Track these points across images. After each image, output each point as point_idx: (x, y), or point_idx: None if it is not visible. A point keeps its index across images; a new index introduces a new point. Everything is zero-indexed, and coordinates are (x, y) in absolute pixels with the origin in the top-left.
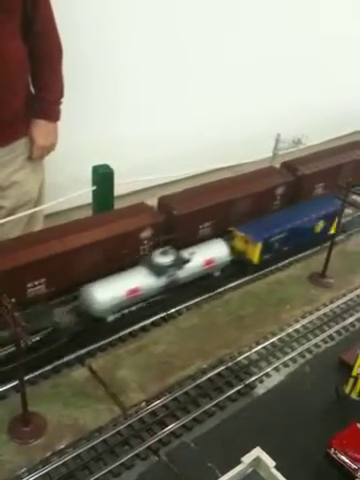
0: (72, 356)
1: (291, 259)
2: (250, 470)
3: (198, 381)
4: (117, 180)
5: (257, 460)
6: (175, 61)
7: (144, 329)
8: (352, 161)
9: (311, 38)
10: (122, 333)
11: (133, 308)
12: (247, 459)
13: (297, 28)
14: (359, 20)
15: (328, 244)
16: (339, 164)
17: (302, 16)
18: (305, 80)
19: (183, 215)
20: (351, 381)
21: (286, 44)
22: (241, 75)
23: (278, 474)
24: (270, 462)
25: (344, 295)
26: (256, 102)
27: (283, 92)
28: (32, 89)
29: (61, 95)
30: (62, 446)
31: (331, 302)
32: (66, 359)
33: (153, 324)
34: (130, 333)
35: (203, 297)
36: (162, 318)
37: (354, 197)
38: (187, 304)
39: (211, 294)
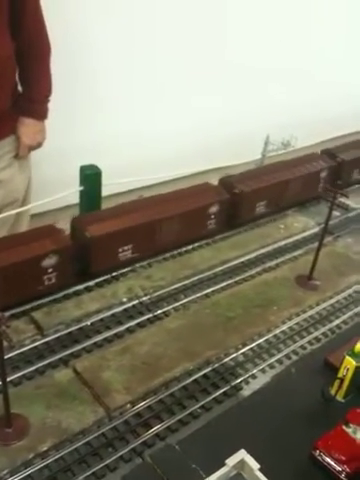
0: (56, 357)
1: (278, 261)
2: (234, 473)
3: (184, 383)
4: (105, 180)
5: (241, 463)
6: (162, 60)
7: (129, 330)
8: (299, 177)
9: (301, 40)
10: (107, 334)
11: (119, 309)
12: (231, 461)
13: (287, 30)
14: (349, 22)
15: (316, 246)
16: (283, 180)
17: (292, 20)
18: (296, 81)
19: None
20: (337, 383)
21: (276, 45)
22: (230, 75)
23: (262, 477)
24: (254, 465)
25: (330, 297)
26: (245, 103)
27: (273, 93)
28: (19, 86)
29: (49, 93)
30: (45, 448)
31: (317, 304)
32: (50, 360)
33: (139, 325)
34: (115, 334)
35: (190, 298)
36: (148, 319)
37: (343, 199)
38: (174, 305)
39: (199, 295)
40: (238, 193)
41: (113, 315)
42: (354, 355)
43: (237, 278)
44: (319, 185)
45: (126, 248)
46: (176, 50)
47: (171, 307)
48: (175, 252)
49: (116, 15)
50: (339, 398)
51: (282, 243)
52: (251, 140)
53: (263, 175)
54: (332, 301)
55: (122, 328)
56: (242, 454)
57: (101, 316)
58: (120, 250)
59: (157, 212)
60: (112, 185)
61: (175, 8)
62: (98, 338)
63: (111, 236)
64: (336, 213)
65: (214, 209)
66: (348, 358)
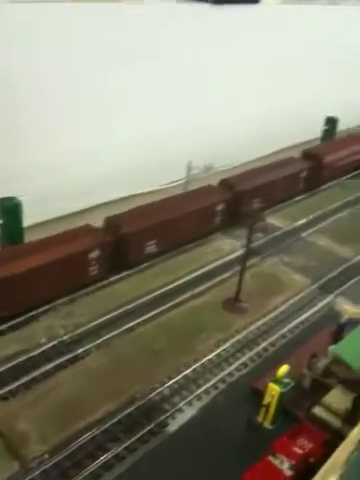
0: None
1: (206, 285)
2: None
3: (106, 424)
4: (27, 211)
5: None
6: (91, 85)
7: (48, 373)
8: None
9: (224, 67)
10: (24, 380)
11: (37, 351)
12: None
13: (211, 60)
14: (272, 47)
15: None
16: (175, 217)
17: (215, 48)
18: (224, 105)
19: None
20: (263, 410)
21: (200, 72)
22: (158, 102)
23: None
24: None
25: (257, 320)
26: (170, 130)
27: (196, 119)
28: None
29: None
30: None
31: (245, 328)
32: None
33: (59, 367)
34: (33, 379)
35: (114, 333)
36: (68, 360)
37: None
38: (96, 342)
39: (122, 329)
40: (124, 234)
41: (30, 359)
42: (278, 381)
43: (164, 307)
44: (216, 218)
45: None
46: (107, 78)
47: (93, 345)
48: (99, 284)
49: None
50: (267, 425)
51: (210, 267)
52: (177, 165)
53: (153, 212)
54: (259, 323)
55: (40, 372)
56: None
57: (17, 361)
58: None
59: None
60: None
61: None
62: (13, 385)
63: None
64: (262, 234)
65: (94, 254)
66: (272, 385)
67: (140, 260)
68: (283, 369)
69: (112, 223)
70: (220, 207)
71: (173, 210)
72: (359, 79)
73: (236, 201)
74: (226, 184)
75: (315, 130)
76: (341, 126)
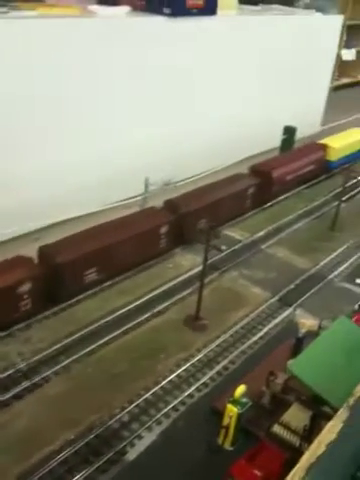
0: None
1: (167, 303)
2: None
3: (64, 455)
4: None
5: None
6: (45, 105)
7: (5, 404)
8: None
9: (183, 79)
10: None
11: None
12: None
13: (169, 72)
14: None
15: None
16: (113, 243)
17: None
18: (180, 120)
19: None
20: (223, 431)
21: (158, 86)
22: (113, 117)
23: None
24: None
25: (218, 337)
26: (127, 146)
27: (155, 132)
28: None
29: None
30: None
31: (205, 346)
32: None
33: (16, 397)
34: None
35: (73, 358)
36: (26, 389)
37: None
38: (55, 369)
39: (82, 353)
40: (59, 264)
41: None
42: (235, 402)
43: (125, 327)
44: (160, 241)
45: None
46: (62, 98)
47: (51, 371)
48: (56, 308)
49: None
50: (227, 446)
51: (171, 284)
52: (134, 181)
53: (92, 238)
54: (219, 341)
55: None
56: None
57: None
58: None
59: None
60: None
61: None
62: None
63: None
64: (222, 247)
65: (25, 288)
66: (230, 406)
67: (81, 290)
68: (240, 389)
69: (46, 252)
70: (164, 230)
71: (114, 235)
72: (315, 88)
73: (180, 223)
74: (170, 205)
75: (275, 139)
76: (299, 134)
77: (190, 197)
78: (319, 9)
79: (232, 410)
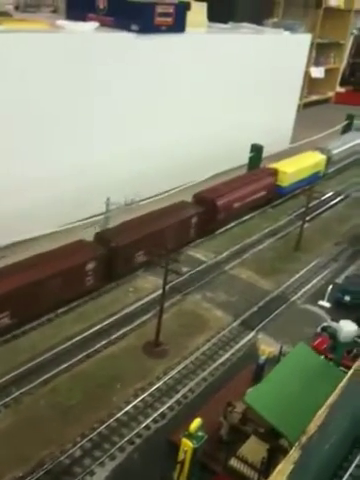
0: None
1: (126, 329)
2: None
3: None
4: None
5: None
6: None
7: None
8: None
9: (149, 97)
10: None
11: None
12: None
13: (136, 89)
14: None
15: (166, 307)
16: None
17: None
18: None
19: None
20: (178, 467)
21: (124, 104)
22: (79, 136)
23: None
24: None
25: (178, 363)
26: (89, 164)
27: (117, 150)
28: None
29: None
30: None
31: (165, 373)
32: None
33: None
34: None
35: (24, 389)
36: None
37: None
38: (4, 401)
39: (34, 384)
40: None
41: None
42: (191, 436)
43: (80, 355)
44: (86, 279)
45: None
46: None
47: (1, 404)
48: (9, 336)
49: None
50: None
51: (130, 308)
52: (96, 200)
53: (7, 275)
54: (180, 367)
55: None
56: None
57: None
58: None
59: None
60: None
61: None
62: None
63: None
64: (185, 268)
65: None
66: (185, 440)
67: None
68: (196, 422)
69: None
70: (91, 266)
71: (33, 272)
72: (284, 105)
73: (112, 257)
74: (101, 238)
75: (243, 157)
76: (268, 152)
77: (124, 229)
78: (287, 28)
79: (187, 445)
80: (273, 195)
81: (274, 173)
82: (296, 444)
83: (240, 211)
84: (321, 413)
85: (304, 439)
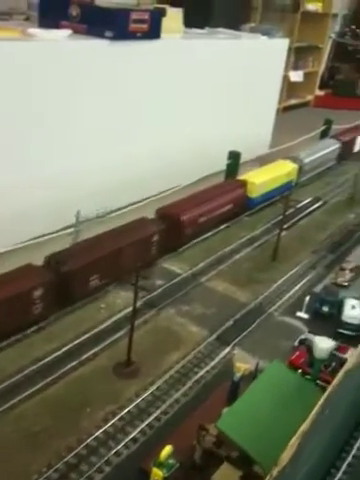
0: None
1: (96, 349)
2: None
3: None
4: None
5: None
6: None
7: None
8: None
9: (128, 106)
10: None
11: None
12: None
13: (108, 97)
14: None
15: (139, 323)
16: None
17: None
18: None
19: None
20: None
21: (98, 112)
22: (49, 146)
23: None
24: None
25: (151, 384)
26: (58, 175)
27: (89, 161)
28: None
29: None
30: None
31: (136, 395)
32: None
33: None
34: None
35: None
36: None
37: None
38: None
39: (0, 409)
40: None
41: None
42: (161, 465)
43: (49, 379)
44: (33, 307)
45: None
46: None
47: None
48: None
49: None
50: None
51: (102, 326)
52: (66, 213)
53: None
54: (152, 388)
55: None
56: None
57: None
58: None
59: None
60: None
61: None
62: None
63: None
64: (160, 282)
65: None
66: (155, 470)
67: None
68: (166, 450)
69: None
70: (39, 293)
71: None
72: (262, 110)
73: (63, 283)
74: (51, 262)
75: (221, 163)
76: (248, 157)
77: (77, 250)
78: (265, 33)
79: (157, 474)
80: (242, 207)
81: (243, 184)
82: (268, 477)
83: (207, 226)
84: (293, 442)
85: (276, 472)
